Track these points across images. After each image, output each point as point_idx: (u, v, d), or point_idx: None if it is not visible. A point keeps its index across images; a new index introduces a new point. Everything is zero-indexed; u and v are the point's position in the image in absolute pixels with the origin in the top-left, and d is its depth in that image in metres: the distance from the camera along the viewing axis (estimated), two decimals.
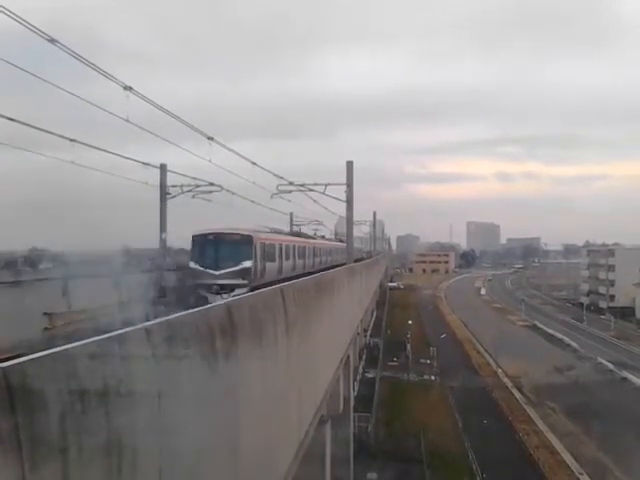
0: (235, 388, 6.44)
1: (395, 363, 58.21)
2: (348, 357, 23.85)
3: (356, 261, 40.94)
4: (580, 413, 43.18)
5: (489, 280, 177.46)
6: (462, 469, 32.94)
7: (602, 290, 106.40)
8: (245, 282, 22.93)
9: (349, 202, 30.04)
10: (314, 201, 33.51)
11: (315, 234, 51.42)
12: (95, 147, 19.13)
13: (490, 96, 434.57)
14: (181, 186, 28.32)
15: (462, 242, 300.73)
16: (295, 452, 10.28)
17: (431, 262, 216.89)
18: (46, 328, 17.06)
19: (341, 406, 21.58)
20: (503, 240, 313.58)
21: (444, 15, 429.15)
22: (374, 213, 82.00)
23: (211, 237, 24.32)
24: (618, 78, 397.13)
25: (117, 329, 4.34)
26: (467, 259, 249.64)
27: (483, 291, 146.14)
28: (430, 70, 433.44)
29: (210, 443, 5.58)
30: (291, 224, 52.27)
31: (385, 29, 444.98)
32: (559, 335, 78.21)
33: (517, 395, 50.66)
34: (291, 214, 52.93)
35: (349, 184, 29.66)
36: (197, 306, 6.68)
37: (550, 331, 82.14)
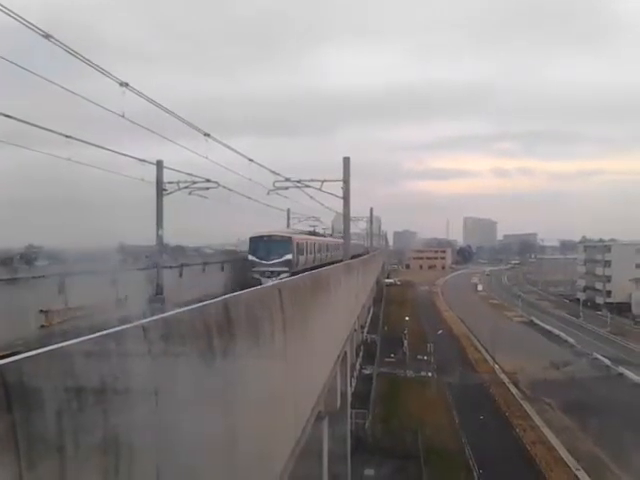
0: (232, 385, 6.44)
1: (392, 359, 58.31)
2: (345, 353, 23.87)
3: (355, 257, 41.04)
4: (577, 409, 43.33)
5: (487, 275, 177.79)
6: (459, 465, 33.04)
7: (598, 286, 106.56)
8: (287, 269, 32.05)
9: (346, 198, 29.99)
10: (311, 197, 33.55)
11: (324, 233, 55.82)
12: (91, 144, 19.07)
13: (489, 92, 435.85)
14: (178, 183, 28.32)
15: (459, 238, 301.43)
16: (292, 448, 10.28)
17: (428, 258, 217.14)
18: (42, 325, 17.05)
19: (338, 402, 21.61)
20: (500, 236, 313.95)
21: (443, 12, 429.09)
22: (371, 209, 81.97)
23: (264, 238, 34.09)
24: (616, 75, 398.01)
25: (114, 326, 4.33)
26: (464, 255, 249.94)
27: (480, 287, 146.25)
28: (428, 66, 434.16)
29: (207, 440, 5.58)
30: (288, 221, 52.66)
31: (383, 26, 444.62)
32: (556, 331, 78.39)
33: (514, 391, 50.84)
34: (288, 210, 52.98)
35: (346, 180, 29.60)
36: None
37: (547, 327, 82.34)
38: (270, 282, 19.52)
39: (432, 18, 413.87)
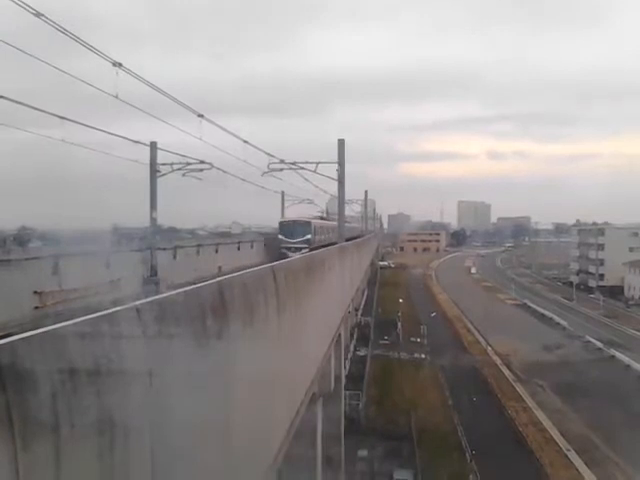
0: (227, 367, 6.46)
1: (386, 341, 58.56)
2: (339, 336, 23.96)
3: (350, 240, 41.19)
4: (569, 391, 43.74)
5: (481, 257, 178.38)
6: (452, 446, 33.31)
7: (592, 269, 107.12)
8: (307, 245, 41.95)
9: (341, 181, 29.96)
10: (305, 180, 33.61)
11: (330, 217, 61.86)
12: (85, 125, 18.97)
13: (484, 73, 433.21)
14: (171, 164, 28.25)
15: (453, 221, 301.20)
16: (287, 430, 10.35)
17: (422, 241, 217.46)
18: (37, 307, 17.04)
19: (332, 384, 21.73)
20: (494, 219, 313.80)
21: None
22: (365, 192, 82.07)
23: (291, 222, 46.08)
24: (615, 55, 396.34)
25: (108, 308, 4.34)
26: (458, 238, 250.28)
27: (473, 270, 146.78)
28: (422, 46, 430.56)
29: (201, 422, 5.61)
30: (282, 203, 53.37)
31: (377, 4, 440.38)
32: (549, 314, 78.80)
33: (506, 373, 51.18)
34: (282, 193, 53.02)
35: (340, 163, 29.55)
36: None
37: (540, 310, 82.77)
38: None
39: None
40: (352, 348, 50.31)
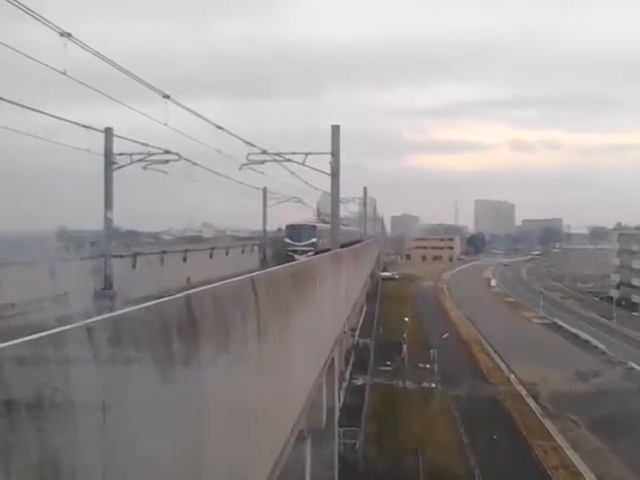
0: (196, 398, 6.43)
1: (388, 368, 58.51)
2: (333, 360, 23.95)
3: (346, 246, 41.26)
4: (607, 427, 43.71)
5: (504, 266, 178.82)
6: None
7: (636, 282, 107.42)
8: (312, 249, 50.72)
9: (335, 175, 29.94)
10: (292, 173, 33.53)
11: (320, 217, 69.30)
12: (24, 106, 18.88)
13: (504, 48, 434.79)
14: (131, 154, 28.15)
15: (469, 224, 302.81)
16: (268, 474, 10.32)
17: (432, 248, 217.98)
18: None
19: (324, 419, 21.70)
20: (518, 222, 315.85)
21: None
22: (365, 189, 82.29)
23: (297, 226, 56.15)
24: None
25: (53, 327, 4.31)
26: (475, 244, 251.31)
27: (493, 282, 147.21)
28: (433, 13, 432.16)
29: (166, 465, 5.58)
30: (264, 201, 54.46)
31: None
32: (584, 335, 78.96)
33: (533, 405, 51.22)
34: (264, 189, 53.16)
35: (335, 153, 29.51)
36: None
37: (573, 330, 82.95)
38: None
39: None
40: (348, 376, 50.28)
